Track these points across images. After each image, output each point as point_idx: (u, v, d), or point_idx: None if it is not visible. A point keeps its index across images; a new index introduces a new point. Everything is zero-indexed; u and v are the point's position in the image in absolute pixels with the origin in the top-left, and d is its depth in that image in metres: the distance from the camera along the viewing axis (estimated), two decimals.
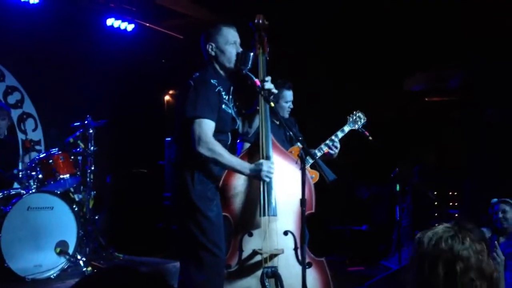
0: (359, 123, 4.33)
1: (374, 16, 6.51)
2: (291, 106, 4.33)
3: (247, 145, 3.93)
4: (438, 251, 1.62)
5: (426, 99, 8.64)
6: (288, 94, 4.29)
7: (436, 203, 6.88)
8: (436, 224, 1.74)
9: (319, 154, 4.16)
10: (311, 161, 4.01)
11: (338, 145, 4.20)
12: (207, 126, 3.00)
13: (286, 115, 4.33)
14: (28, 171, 4.64)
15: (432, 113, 8.49)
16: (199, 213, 2.99)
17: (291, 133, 3.75)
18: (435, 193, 6.91)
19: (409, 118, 8.31)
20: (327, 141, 4.20)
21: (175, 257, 4.81)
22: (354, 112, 4.36)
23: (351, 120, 4.33)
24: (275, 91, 3.31)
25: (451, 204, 7.12)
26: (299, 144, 4.17)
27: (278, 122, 4.28)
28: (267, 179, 3.15)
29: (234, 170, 3.15)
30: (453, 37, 6.77)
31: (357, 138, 4.39)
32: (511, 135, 6.50)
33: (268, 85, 3.26)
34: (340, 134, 4.24)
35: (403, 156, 7.56)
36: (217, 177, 3.15)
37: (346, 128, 4.28)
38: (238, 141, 4.07)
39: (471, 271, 1.59)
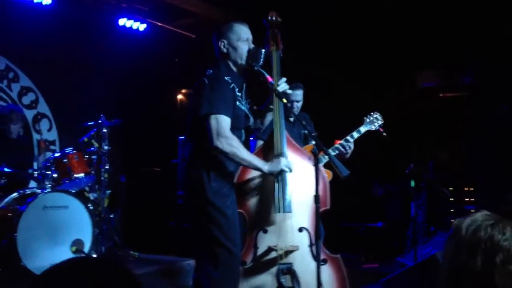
0: (376, 124, 4.27)
1: (387, 13, 6.47)
2: (296, 106, 4.28)
3: (260, 142, 3.92)
4: (477, 239, 1.58)
5: (441, 95, 8.57)
6: (292, 94, 4.16)
7: (451, 199, 6.83)
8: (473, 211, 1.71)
9: (333, 154, 4.12)
10: (325, 160, 3.99)
11: (352, 146, 4.16)
12: (225, 122, 2.99)
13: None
14: (43, 171, 4.67)
15: (446, 109, 8.41)
16: (215, 209, 2.98)
17: (305, 130, 3.73)
18: (450, 189, 6.86)
19: (423, 114, 8.24)
20: (342, 141, 4.15)
21: (188, 255, 4.83)
22: (372, 113, 4.31)
23: (367, 120, 4.27)
24: (290, 91, 3.30)
25: (466, 200, 7.05)
26: (312, 141, 4.16)
27: (292, 120, 4.26)
28: (287, 170, 3.13)
29: (251, 166, 3.13)
30: (466, 32, 6.71)
31: (371, 134, 4.36)
32: None
33: (283, 86, 3.24)
34: (356, 135, 4.19)
35: (417, 152, 7.50)
36: (232, 173, 3.14)
37: (363, 129, 4.23)
38: (252, 138, 4.06)
39: (510, 264, 1.56)
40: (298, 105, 4.29)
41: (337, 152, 4.14)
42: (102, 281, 1.12)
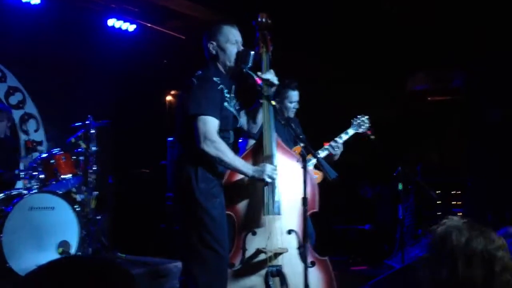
0: (363, 127, 4.35)
1: (377, 16, 6.50)
2: (296, 107, 4.29)
3: (251, 141, 3.91)
4: (473, 251, 1.58)
5: (429, 98, 8.62)
6: (293, 94, 4.25)
7: (439, 202, 6.85)
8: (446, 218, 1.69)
9: (322, 154, 4.17)
10: (314, 161, 4.01)
11: (341, 147, 4.23)
12: (212, 124, 2.99)
13: (291, 115, 4.31)
14: (30, 171, 4.63)
15: (435, 112, 8.46)
16: (203, 211, 2.97)
17: (294, 132, 3.73)
18: (438, 192, 6.88)
19: (412, 117, 8.28)
20: (331, 142, 4.22)
21: (177, 257, 4.80)
22: (359, 116, 4.39)
23: (355, 123, 4.35)
24: (275, 82, 3.28)
25: (454, 203, 7.10)
26: (301, 143, 4.18)
27: (283, 122, 4.26)
28: (270, 180, 3.14)
29: (236, 171, 3.13)
30: (455, 36, 6.75)
31: (359, 137, 4.40)
32: None
33: (267, 75, 3.23)
34: (344, 137, 4.26)
35: (405, 155, 7.54)
36: (221, 174, 3.13)
37: (350, 131, 4.31)
38: (241, 140, 4.05)
39: (507, 271, 1.58)
40: (295, 105, 4.29)
41: (326, 153, 4.18)
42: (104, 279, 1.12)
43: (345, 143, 4.28)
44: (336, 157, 4.24)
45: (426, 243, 1.71)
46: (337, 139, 4.23)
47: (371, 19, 6.58)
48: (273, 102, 3.17)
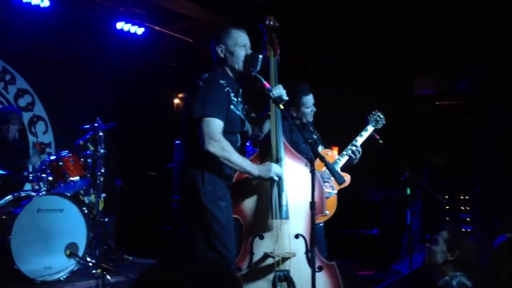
0: (380, 122, 4.25)
1: (384, 19, 6.48)
2: (314, 109, 4.19)
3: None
4: None
5: (437, 103, 8.59)
6: (308, 99, 4.14)
7: (447, 206, 6.82)
8: None
9: (343, 160, 4.12)
10: (339, 162, 4.06)
11: (360, 150, 4.14)
12: (216, 125, 2.98)
13: (310, 119, 4.22)
14: (38, 174, 4.65)
15: (442, 116, 8.43)
16: (209, 214, 2.96)
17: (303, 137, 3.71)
18: (446, 196, 6.86)
19: (420, 121, 8.25)
20: (350, 146, 4.14)
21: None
22: (373, 112, 4.28)
23: (372, 119, 4.25)
24: (285, 98, 3.28)
25: (462, 208, 7.06)
26: (321, 147, 4.19)
27: (302, 126, 4.24)
28: (276, 178, 3.13)
29: (243, 171, 3.11)
30: (462, 40, 6.72)
31: (367, 141, 4.35)
32: None
33: (277, 92, 3.23)
34: (364, 134, 4.18)
35: (413, 159, 7.51)
36: (228, 177, 3.12)
37: (369, 128, 4.22)
38: (248, 144, 4.04)
39: None
40: (313, 109, 4.20)
41: (346, 158, 4.13)
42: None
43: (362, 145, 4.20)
44: (355, 161, 4.16)
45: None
46: (356, 140, 4.15)
47: (379, 22, 6.56)
48: (281, 106, 3.15)
